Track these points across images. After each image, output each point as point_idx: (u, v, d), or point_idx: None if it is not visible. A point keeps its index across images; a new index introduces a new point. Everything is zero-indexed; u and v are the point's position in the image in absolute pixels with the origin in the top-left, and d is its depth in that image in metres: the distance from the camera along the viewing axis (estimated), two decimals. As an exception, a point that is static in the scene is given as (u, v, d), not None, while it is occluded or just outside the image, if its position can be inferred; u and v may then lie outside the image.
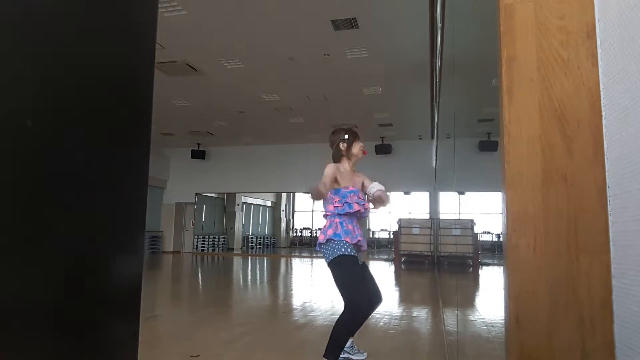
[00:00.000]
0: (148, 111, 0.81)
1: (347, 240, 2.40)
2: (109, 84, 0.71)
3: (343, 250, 2.37)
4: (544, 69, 0.84)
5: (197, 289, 6.86)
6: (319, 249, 2.50)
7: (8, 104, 0.55)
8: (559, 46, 0.84)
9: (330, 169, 2.51)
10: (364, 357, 2.72)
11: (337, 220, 2.47)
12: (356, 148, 2.65)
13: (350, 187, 2.54)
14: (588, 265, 0.77)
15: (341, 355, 2.51)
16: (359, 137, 2.70)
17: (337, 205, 2.49)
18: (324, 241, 2.43)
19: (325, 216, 2.56)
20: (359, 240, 2.49)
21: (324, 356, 2.30)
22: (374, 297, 2.49)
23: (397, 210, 19.07)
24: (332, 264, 2.39)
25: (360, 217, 2.60)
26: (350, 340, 2.70)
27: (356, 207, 2.48)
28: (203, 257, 14.04)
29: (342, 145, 2.63)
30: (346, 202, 2.48)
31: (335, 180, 2.51)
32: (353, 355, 2.71)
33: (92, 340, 0.68)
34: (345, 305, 2.33)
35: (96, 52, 0.69)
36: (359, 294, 2.33)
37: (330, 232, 2.42)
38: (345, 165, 2.63)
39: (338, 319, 2.34)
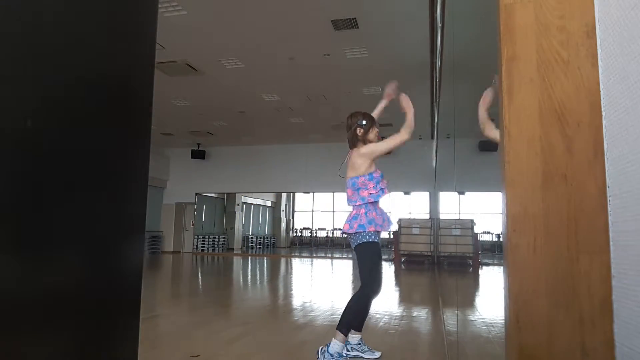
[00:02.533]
0: (148, 111, 0.81)
1: (371, 229, 2.51)
2: (109, 84, 0.71)
3: (367, 237, 2.53)
4: (544, 69, 0.84)
5: (197, 289, 6.86)
6: (345, 235, 2.70)
7: (8, 104, 0.55)
8: (559, 46, 0.84)
9: (370, 144, 2.61)
10: (377, 357, 2.69)
11: (362, 210, 2.56)
12: (372, 134, 2.68)
13: (378, 171, 2.63)
14: (588, 265, 0.77)
15: (350, 353, 2.63)
16: (376, 122, 2.74)
17: (372, 192, 2.57)
18: (352, 232, 2.56)
19: (355, 205, 2.62)
20: (384, 225, 2.60)
21: (337, 328, 2.49)
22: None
23: (397, 210, 19.09)
24: (358, 248, 2.57)
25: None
26: (359, 337, 2.72)
27: (386, 192, 2.61)
28: (203, 257, 14.04)
29: (359, 131, 2.64)
30: (381, 188, 2.58)
31: (369, 166, 2.59)
32: (364, 354, 2.69)
33: (91, 340, 0.68)
34: (361, 286, 2.54)
35: (96, 52, 0.69)
36: (374, 279, 2.51)
37: (355, 224, 2.54)
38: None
39: (354, 296, 2.54)
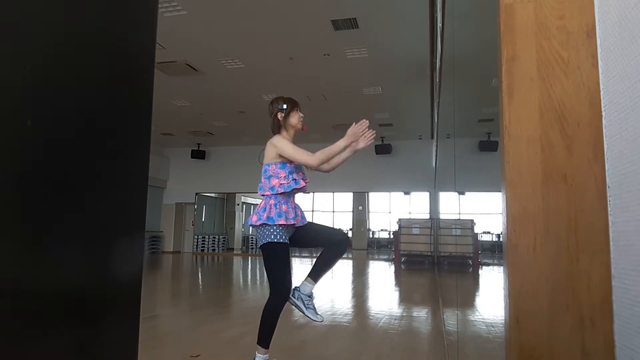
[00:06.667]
0: (148, 111, 0.81)
1: (281, 222, 2.32)
2: (109, 84, 0.71)
3: (272, 237, 2.32)
4: (544, 69, 0.84)
5: (197, 289, 6.86)
6: (253, 228, 2.42)
7: (8, 104, 0.55)
8: (559, 46, 0.84)
9: (284, 141, 2.41)
10: (318, 320, 2.47)
11: (271, 201, 2.37)
12: (294, 118, 2.54)
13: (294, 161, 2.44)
14: (588, 265, 0.77)
15: (294, 300, 2.44)
16: (299, 107, 2.60)
17: (282, 182, 2.39)
18: (258, 224, 2.35)
19: (262, 195, 2.44)
20: (297, 220, 2.42)
21: (257, 343, 2.31)
22: (333, 243, 2.46)
23: (397, 210, 19.09)
24: (262, 249, 2.37)
25: (298, 192, 2.51)
26: (312, 288, 2.50)
27: (302, 184, 2.43)
28: (203, 257, 14.04)
29: (280, 115, 2.51)
30: (293, 179, 2.41)
31: (279, 155, 2.41)
32: (306, 310, 2.46)
33: (92, 340, 0.68)
34: (270, 291, 2.34)
35: (96, 52, 0.69)
36: (282, 283, 2.33)
37: (264, 215, 2.34)
38: (285, 136, 2.51)
39: (265, 306, 2.32)
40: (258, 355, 2.34)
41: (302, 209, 2.57)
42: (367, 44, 6.51)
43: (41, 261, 0.59)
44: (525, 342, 0.80)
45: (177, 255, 14.04)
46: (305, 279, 2.50)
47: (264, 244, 2.35)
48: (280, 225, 2.34)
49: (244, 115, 10.53)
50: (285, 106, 2.52)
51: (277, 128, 2.53)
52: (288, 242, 2.40)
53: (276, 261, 2.35)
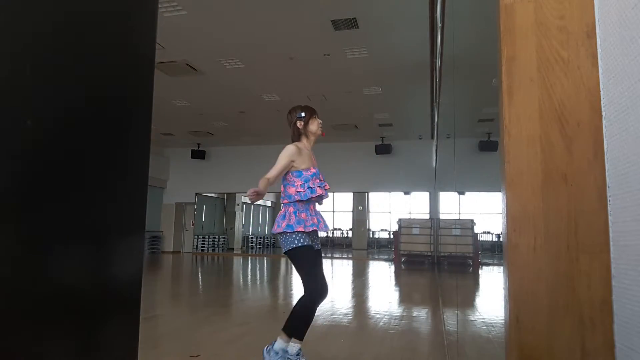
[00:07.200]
0: (148, 111, 0.80)
1: (300, 229, 2.39)
2: (108, 84, 0.71)
3: (296, 242, 2.40)
4: (544, 69, 0.84)
5: (197, 289, 6.86)
6: (275, 235, 2.52)
7: (8, 104, 0.55)
8: (559, 46, 0.84)
9: (287, 152, 2.43)
10: None
11: (290, 209, 2.44)
12: (314, 125, 2.58)
13: (311, 169, 2.49)
14: (588, 265, 0.77)
15: None
16: (317, 114, 2.63)
17: (299, 190, 2.44)
18: (278, 232, 2.44)
19: (282, 203, 2.52)
20: (315, 227, 2.47)
21: (291, 336, 2.38)
22: (322, 289, 2.52)
23: (397, 210, 19.09)
24: (288, 255, 2.44)
25: (320, 200, 2.56)
26: (299, 347, 2.49)
27: (319, 192, 2.45)
28: (203, 257, 14.04)
29: (299, 123, 2.56)
30: (309, 188, 2.45)
31: (294, 164, 2.45)
32: None
33: (92, 340, 0.68)
34: (304, 289, 2.40)
35: (96, 52, 0.69)
36: (315, 280, 2.41)
37: (283, 224, 2.42)
38: (305, 144, 2.56)
39: (300, 299, 2.39)
40: (292, 344, 2.41)
41: (323, 216, 2.61)
42: (367, 44, 6.52)
43: (40, 261, 0.59)
44: (525, 342, 0.80)
45: (177, 255, 14.04)
46: (292, 340, 2.48)
47: (288, 250, 2.42)
48: (299, 232, 2.40)
49: (244, 115, 10.53)
50: (303, 114, 2.56)
51: (297, 136, 2.59)
52: (312, 245, 2.45)
53: (303, 262, 2.41)
